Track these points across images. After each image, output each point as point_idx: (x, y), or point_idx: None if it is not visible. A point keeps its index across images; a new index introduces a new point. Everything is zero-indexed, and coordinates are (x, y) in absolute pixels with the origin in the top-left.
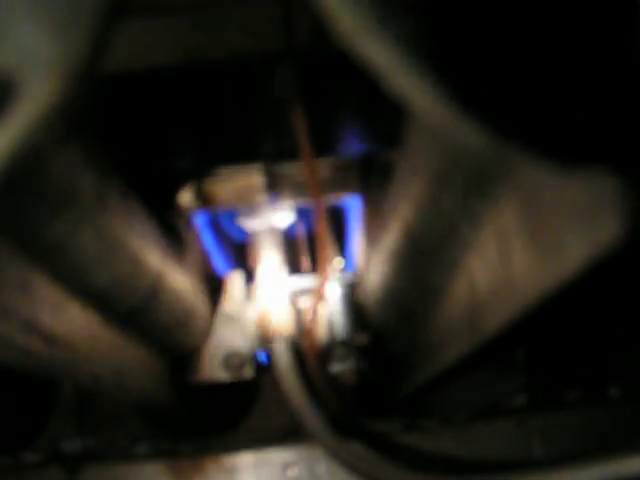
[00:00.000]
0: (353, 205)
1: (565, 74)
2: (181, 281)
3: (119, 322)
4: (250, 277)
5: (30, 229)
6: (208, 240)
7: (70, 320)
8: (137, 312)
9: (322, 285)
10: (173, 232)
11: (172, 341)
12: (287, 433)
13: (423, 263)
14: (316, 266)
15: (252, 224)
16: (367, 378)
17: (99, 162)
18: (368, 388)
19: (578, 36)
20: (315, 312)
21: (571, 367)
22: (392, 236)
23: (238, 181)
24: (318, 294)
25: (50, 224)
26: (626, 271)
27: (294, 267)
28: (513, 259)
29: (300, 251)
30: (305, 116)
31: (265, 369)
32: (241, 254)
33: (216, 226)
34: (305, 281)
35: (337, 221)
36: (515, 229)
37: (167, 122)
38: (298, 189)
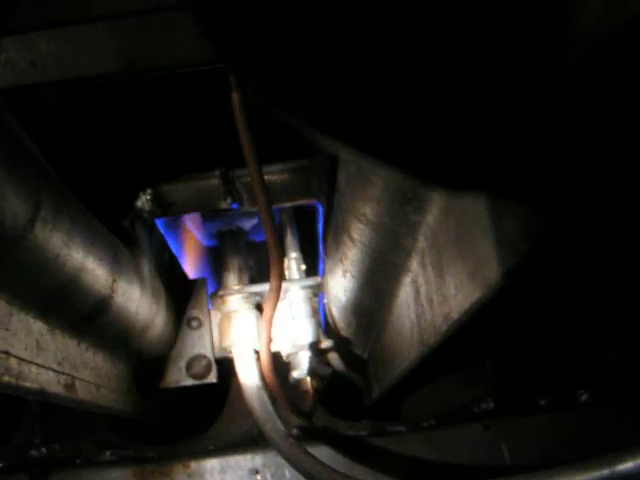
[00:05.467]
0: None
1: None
2: (137, 288)
3: (69, 331)
4: (217, 282)
5: None
6: (174, 246)
7: (11, 334)
8: (87, 320)
9: (275, 291)
10: (131, 239)
11: (131, 348)
12: (254, 438)
13: (375, 271)
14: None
15: (215, 228)
16: (339, 381)
17: (26, 185)
18: (339, 392)
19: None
20: (269, 318)
21: (540, 373)
22: (346, 245)
23: (196, 186)
24: (271, 300)
25: None
26: (592, 279)
27: (260, 272)
28: (446, 269)
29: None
30: (250, 123)
31: (233, 374)
32: (209, 259)
33: (182, 232)
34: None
35: (310, 223)
36: (444, 240)
37: (119, 130)
38: None
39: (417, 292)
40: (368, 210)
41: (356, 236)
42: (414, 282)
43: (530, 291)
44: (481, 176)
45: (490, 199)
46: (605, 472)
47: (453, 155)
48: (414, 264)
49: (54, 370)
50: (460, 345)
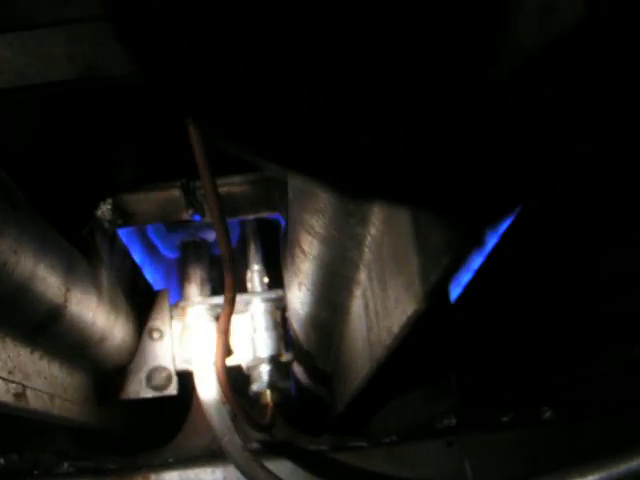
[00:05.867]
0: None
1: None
2: (94, 298)
3: (21, 340)
4: (179, 294)
5: None
6: (137, 256)
7: None
8: (40, 329)
9: (229, 303)
10: (89, 247)
11: (88, 358)
12: (215, 452)
13: (327, 283)
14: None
15: (178, 239)
16: (304, 395)
17: None
18: (304, 406)
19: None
20: (222, 329)
21: (504, 390)
22: (299, 258)
23: (158, 197)
24: (225, 312)
25: None
26: (544, 292)
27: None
28: (388, 282)
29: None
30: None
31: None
32: (171, 271)
33: (145, 242)
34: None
35: (275, 236)
36: (386, 252)
37: (78, 138)
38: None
39: (366, 305)
40: (315, 222)
41: (307, 248)
42: (364, 295)
43: (475, 302)
44: (407, 189)
45: (416, 211)
46: None
47: (379, 168)
48: (362, 277)
49: (3, 378)
50: (418, 360)
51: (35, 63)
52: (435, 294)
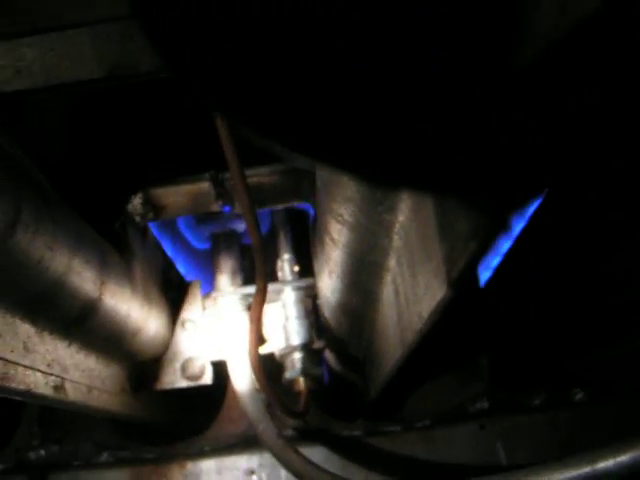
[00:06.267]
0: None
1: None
2: (128, 291)
3: (59, 333)
4: (211, 284)
5: None
6: (168, 249)
7: None
8: (77, 323)
9: (260, 292)
10: (122, 242)
11: (124, 350)
12: (250, 439)
13: (357, 270)
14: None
15: (209, 231)
16: (337, 381)
17: (4, 190)
18: (338, 392)
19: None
20: (255, 318)
21: (535, 372)
22: (329, 246)
23: (187, 190)
24: (257, 301)
25: None
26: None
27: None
28: (417, 268)
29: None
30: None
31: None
32: (203, 262)
33: (176, 234)
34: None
35: (305, 224)
36: (415, 239)
37: (109, 134)
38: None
39: (396, 291)
40: (343, 210)
41: (336, 236)
42: (394, 281)
43: (505, 285)
44: (433, 177)
45: (443, 200)
46: (587, 470)
47: (406, 157)
48: (392, 263)
49: (42, 372)
50: (449, 344)
51: (64, 62)
52: (463, 279)
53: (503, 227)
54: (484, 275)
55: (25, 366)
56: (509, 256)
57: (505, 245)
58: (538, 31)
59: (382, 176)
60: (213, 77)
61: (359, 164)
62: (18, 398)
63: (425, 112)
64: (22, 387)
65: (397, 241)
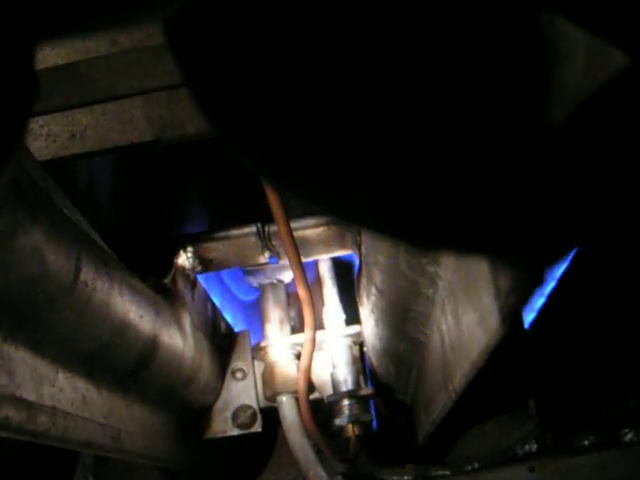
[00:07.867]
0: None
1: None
2: (180, 342)
3: (114, 386)
4: (259, 334)
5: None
6: (217, 300)
7: (57, 390)
8: (132, 375)
9: (309, 341)
10: (172, 294)
11: (176, 400)
12: None
13: (403, 319)
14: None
15: (256, 281)
16: (386, 427)
17: (68, 240)
18: (387, 438)
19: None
20: (305, 367)
21: (584, 412)
22: (374, 295)
23: (234, 243)
24: (306, 350)
25: (23, 300)
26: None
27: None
28: (461, 317)
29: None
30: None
31: (279, 423)
32: (251, 312)
33: (223, 286)
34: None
35: (350, 273)
36: (459, 288)
37: (157, 193)
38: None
39: (442, 339)
40: (387, 262)
41: (381, 286)
42: (439, 329)
43: (550, 325)
44: (474, 240)
45: (489, 259)
46: None
47: (449, 221)
48: (437, 312)
49: (100, 423)
50: (496, 388)
51: (116, 127)
52: (506, 327)
53: (539, 281)
54: (528, 316)
55: (84, 418)
56: (553, 297)
57: (546, 288)
58: (566, 92)
59: (427, 242)
60: (263, 145)
61: (404, 231)
62: (78, 449)
63: (469, 180)
64: (82, 439)
65: (441, 290)
